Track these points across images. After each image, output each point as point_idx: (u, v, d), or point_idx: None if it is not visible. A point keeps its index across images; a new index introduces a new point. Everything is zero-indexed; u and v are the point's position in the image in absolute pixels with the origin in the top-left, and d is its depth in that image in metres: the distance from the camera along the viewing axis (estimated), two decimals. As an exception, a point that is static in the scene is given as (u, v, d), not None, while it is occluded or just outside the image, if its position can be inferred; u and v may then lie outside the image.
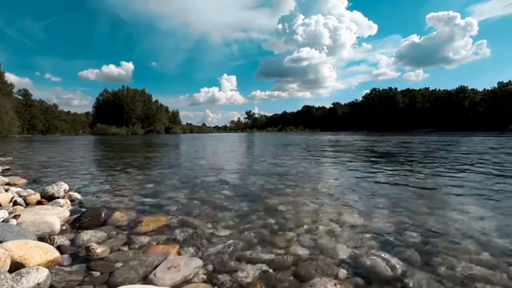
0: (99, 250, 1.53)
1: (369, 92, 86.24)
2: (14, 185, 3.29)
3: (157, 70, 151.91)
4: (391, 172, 4.32)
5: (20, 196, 2.50)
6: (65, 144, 16.41)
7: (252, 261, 1.44)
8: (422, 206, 2.44)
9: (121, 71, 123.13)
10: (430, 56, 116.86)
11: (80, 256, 1.49)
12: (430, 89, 74.96)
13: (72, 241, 1.69)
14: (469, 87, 65.63)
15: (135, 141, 20.42)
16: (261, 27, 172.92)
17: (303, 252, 1.55)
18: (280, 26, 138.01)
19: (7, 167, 5.05)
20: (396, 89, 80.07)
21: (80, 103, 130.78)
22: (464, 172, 4.26)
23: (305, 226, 1.94)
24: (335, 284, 1.22)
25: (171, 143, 17.21)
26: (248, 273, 1.32)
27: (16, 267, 1.23)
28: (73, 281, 1.26)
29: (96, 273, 1.33)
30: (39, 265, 1.28)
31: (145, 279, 1.27)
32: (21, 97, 57.60)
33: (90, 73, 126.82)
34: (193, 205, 2.52)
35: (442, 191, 3.04)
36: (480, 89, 64.93)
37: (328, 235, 1.79)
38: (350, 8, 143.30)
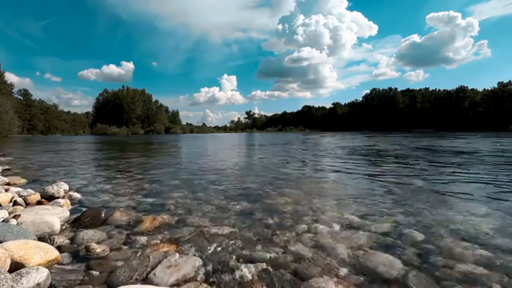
0: (99, 249, 1.53)
1: (369, 92, 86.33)
2: (14, 185, 3.29)
3: (157, 70, 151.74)
4: (391, 172, 4.32)
5: (20, 196, 2.50)
6: (65, 144, 16.41)
7: (252, 260, 1.44)
8: (423, 205, 2.43)
9: (121, 71, 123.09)
10: (431, 56, 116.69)
11: (80, 255, 1.49)
12: (430, 89, 74.98)
13: (72, 240, 1.69)
14: (469, 87, 65.70)
15: (135, 141, 20.42)
16: (261, 27, 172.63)
17: (303, 251, 1.55)
18: (280, 26, 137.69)
19: (7, 167, 5.05)
20: (396, 89, 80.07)
21: (80, 103, 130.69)
22: (464, 171, 4.26)
23: (305, 225, 1.94)
24: (335, 283, 1.23)
25: (171, 143, 17.21)
26: (248, 272, 1.33)
27: (16, 267, 1.23)
28: (73, 280, 1.26)
29: (96, 273, 1.33)
30: (39, 265, 1.28)
31: (145, 278, 1.27)
32: (21, 97, 57.64)
33: (90, 73, 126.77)
34: (192, 204, 2.52)
35: (443, 190, 3.04)
36: (480, 89, 65.00)
37: (328, 234, 1.79)
38: (350, 8, 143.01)
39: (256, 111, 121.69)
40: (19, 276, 1.13)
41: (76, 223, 1.99)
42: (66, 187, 2.85)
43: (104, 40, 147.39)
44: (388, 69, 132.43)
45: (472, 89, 65.29)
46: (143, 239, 1.72)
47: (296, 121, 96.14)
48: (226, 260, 1.44)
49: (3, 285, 1.04)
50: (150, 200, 2.70)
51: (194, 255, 1.49)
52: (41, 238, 1.65)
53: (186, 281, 1.26)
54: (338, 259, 1.45)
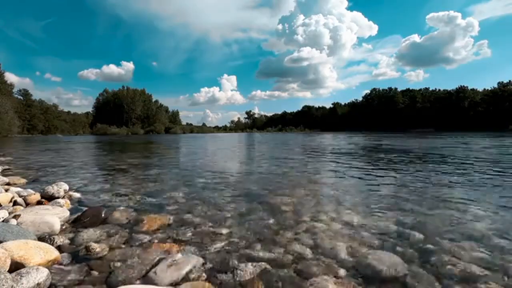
0: (99, 249, 1.53)
1: (369, 92, 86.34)
2: (14, 185, 3.29)
3: (157, 70, 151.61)
4: (391, 172, 4.32)
5: (20, 196, 2.50)
6: (65, 144, 16.40)
7: (252, 259, 1.44)
8: (422, 205, 2.43)
9: (121, 71, 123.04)
10: (431, 56, 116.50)
11: (80, 255, 1.49)
12: (430, 89, 74.97)
13: (72, 240, 1.69)
14: (469, 87, 65.74)
15: (135, 141, 20.42)
16: (261, 27, 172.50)
17: (303, 250, 1.55)
18: (280, 26, 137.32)
19: (7, 167, 5.05)
20: (396, 89, 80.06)
21: (80, 103, 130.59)
22: (464, 171, 4.26)
23: (305, 225, 1.94)
24: (335, 283, 1.22)
25: (171, 143, 17.21)
26: (248, 271, 1.32)
27: (16, 267, 1.23)
28: (73, 280, 1.25)
29: (96, 273, 1.32)
30: (39, 265, 1.28)
31: (145, 278, 1.27)
32: (21, 97, 57.59)
33: (90, 73, 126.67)
34: (193, 203, 2.52)
35: (443, 190, 3.04)
36: (480, 89, 65.03)
37: (328, 234, 1.79)
38: (350, 8, 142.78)
39: (256, 111, 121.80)
40: (19, 276, 1.13)
41: (76, 223, 1.98)
42: (66, 187, 2.85)
43: (104, 40, 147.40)
44: (388, 69, 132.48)
45: (472, 89, 65.34)
46: (143, 238, 1.72)
47: (296, 121, 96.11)
48: (226, 260, 1.44)
49: (3, 285, 1.04)
50: (150, 199, 2.70)
51: (195, 254, 1.49)
52: (41, 238, 1.65)
53: (186, 280, 1.26)
54: (338, 259, 1.45)
